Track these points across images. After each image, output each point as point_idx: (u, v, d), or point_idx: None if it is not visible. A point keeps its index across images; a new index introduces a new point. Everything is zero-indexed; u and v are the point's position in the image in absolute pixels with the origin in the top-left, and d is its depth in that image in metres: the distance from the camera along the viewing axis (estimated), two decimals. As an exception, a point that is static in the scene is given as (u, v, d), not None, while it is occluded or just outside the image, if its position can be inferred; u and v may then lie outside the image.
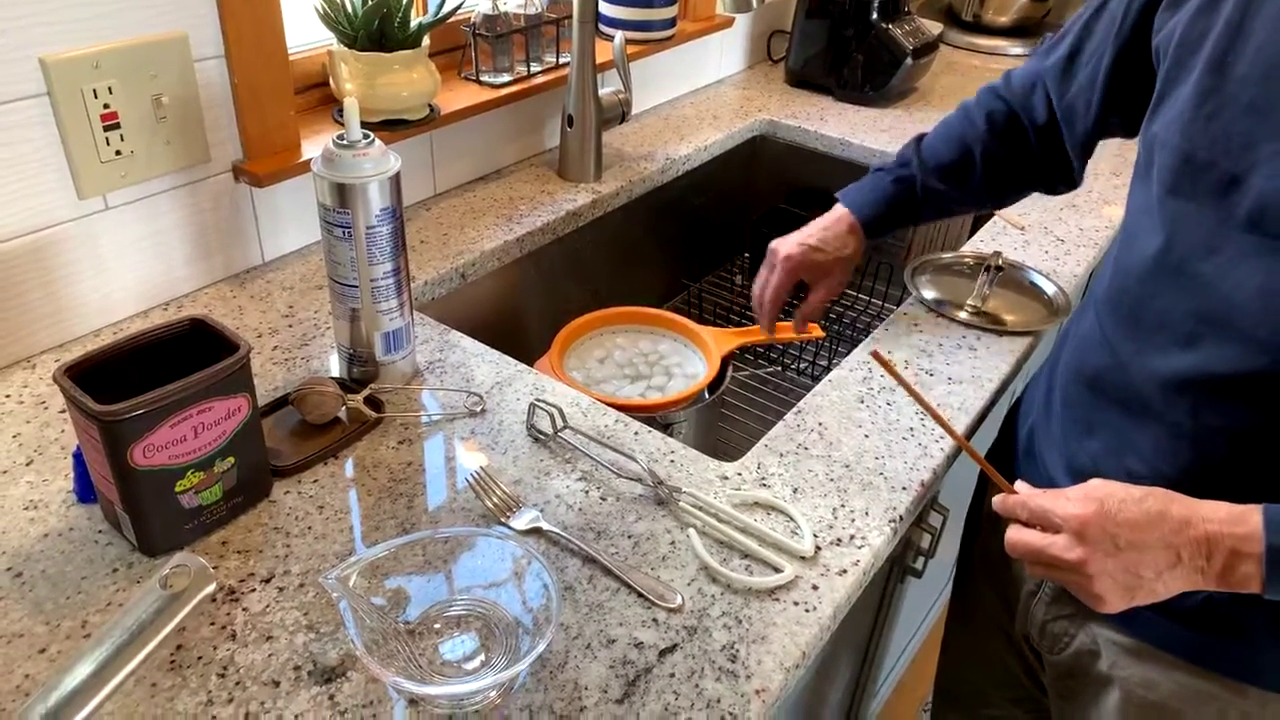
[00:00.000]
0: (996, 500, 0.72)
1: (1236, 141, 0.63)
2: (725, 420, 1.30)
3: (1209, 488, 0.64)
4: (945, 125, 1.00)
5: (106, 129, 0.87)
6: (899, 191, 1.00)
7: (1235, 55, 0.63)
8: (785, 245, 1.03)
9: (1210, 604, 0.71)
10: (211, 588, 0.51)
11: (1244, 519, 0.61)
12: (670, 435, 0.95)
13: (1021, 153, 0.95)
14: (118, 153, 0.88)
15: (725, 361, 1.14)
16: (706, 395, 1.12)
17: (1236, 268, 0.64)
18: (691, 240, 1.56)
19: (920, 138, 1.01)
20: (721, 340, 1.15)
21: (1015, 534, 0.69)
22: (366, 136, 0.79)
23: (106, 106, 0.86)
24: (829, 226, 1.02)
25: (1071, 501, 0.66)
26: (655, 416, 1.05)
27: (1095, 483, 0.67)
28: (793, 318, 1.10)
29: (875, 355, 0.79)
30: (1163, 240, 0.69)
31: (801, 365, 1.41)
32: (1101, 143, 0.90)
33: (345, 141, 0.78)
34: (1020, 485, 0.72)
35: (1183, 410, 0.68)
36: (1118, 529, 0.63)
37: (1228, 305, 0.64)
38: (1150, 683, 0.77)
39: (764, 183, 1.62)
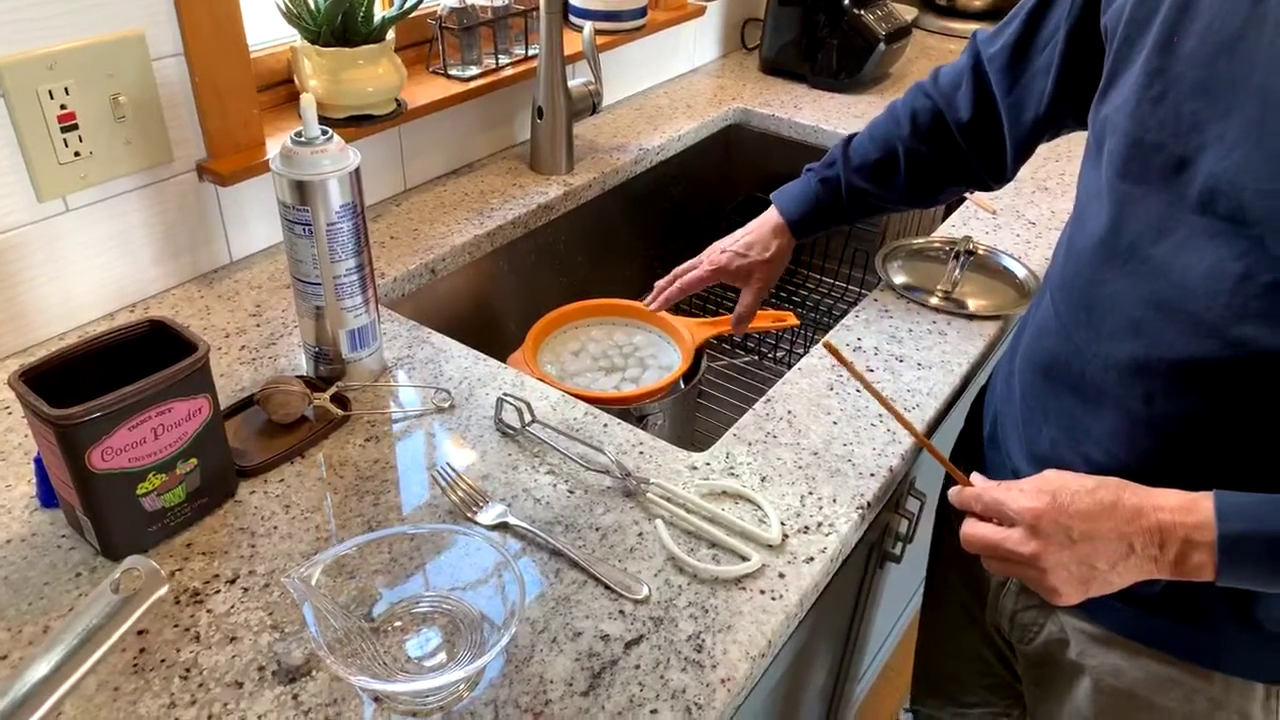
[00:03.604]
0: (952, 493, 0.72)
1: (1185, 123, 0.62)
2: (702, 410, 1.30)
3: (1167, 474, 0.64)
4: (874, 124, 1.00)
5: (64, 130, 0.86)
6: (824, 192, 1.01)
7: (1182, 35, 0.63)
8: (718, 246, 1.07)
9: (1172, 591, 0.71)
10: (164, 590, 0.51)
11: (1195, 507, 0.61)
12: (646, 427, 0.95)
13: (946, 151, 0.94)
14: (76, 154, 0.88)
15: (700, 352, 1.14)
16: (682, 386, 1.12)
17: (1186, 251, 0.63)
18: (666, 231, 1.55)
19: (851, 137, 1.01)
20: (696, 331, 1.15)
21: (970, 528, 0.69)
22: (325, 133, 0.79)
23: (63, 107, 0.85)
24: (756, 229, 1.05)
25: (1025, 494, 0.66)
26: (630, 409, 1.05)
27: (1049, 474, 0.66)
28: (730, 315, 1.12)
29: (827, 346, 0.78)
30: (1113, 224, 0.68)
31: (778, 354, 1.41)
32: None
33: (303, 138, 0.78)
34: (976, 478, 0.72)
35: (1137, 396, 0.68)
36: (1071, 521, 0.63)
37: (1178, 289, 0.64)
38: (1118, 670, 0.77)
39: (739, 171, 1.62)
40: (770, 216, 1.05)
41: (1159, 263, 0.65)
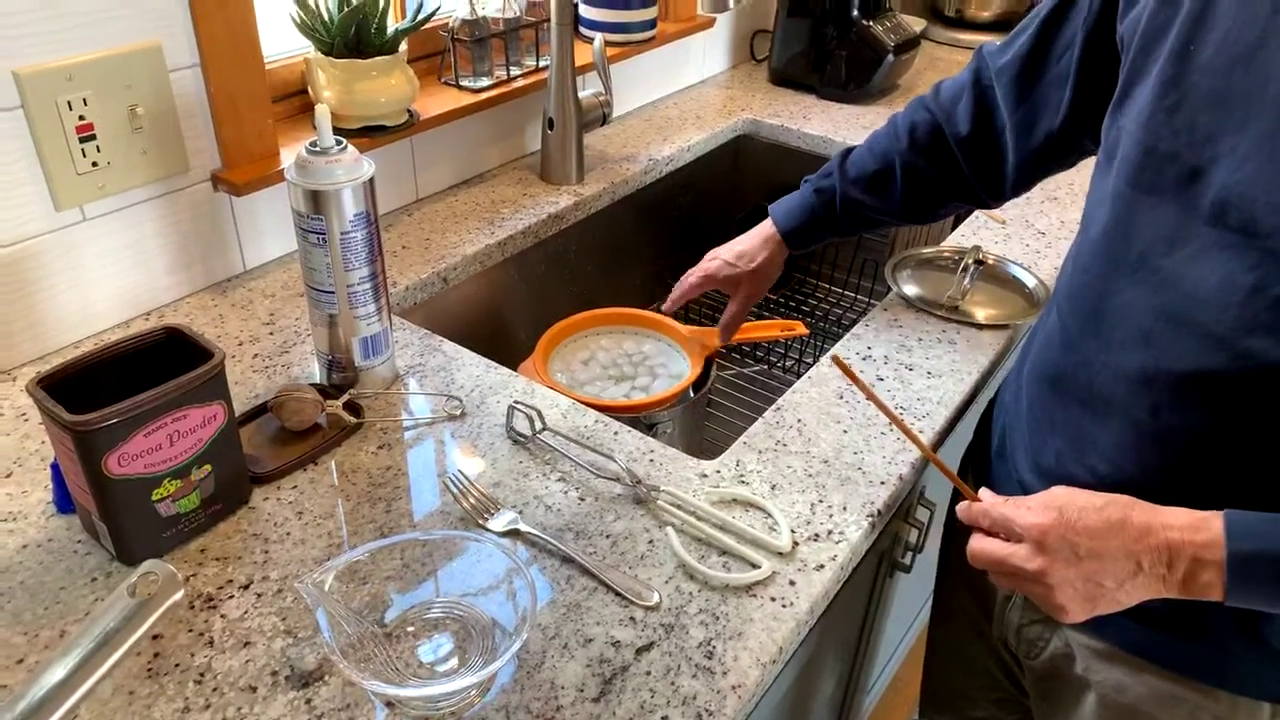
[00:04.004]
0: (960, 508, 0.72)
1: (1199, 134, 0.62)
2: (711, 419, 1.30)
3: (1173, 487, 0.63)
4: (874, 137, 0.99)
5: (82, 141, 0.87)
6: (819, 203, 1.00)
7: (1199, 44, 0.62)
8: (715, 253, 1.08)
9: (1178, 607, 0.69)
10: (180, 594, 0.51)
11: (1205, 525, 0.60)
12: (655, 435, 0.95)
13: (944, 166, 0.93)
14: (94, 164, 0.89)
15: (709, 361, 1.14)
16: (692, 394, 1.12)
17: (1198, 263, 0.62)
18: (676, 241, 1.56)
19: (850, 149, 1.01)
20: (705, 339, 1.15)
21: (977, 543, 0.69)
22: (339, 143, 0.79)
23: (81, 118, 0.86)
24: (748, 238, 1.05)
25: (1032, 510, 0.65)
26: (640, 417, 1.05)
27: (1057, 490, 0.66)
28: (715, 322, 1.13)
29: (836, 360, 0.79)
30: (1123, 234, 0.68)
31: (787, 363, 1.41)
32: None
33: (318, 148, 0.79)
34: (984, 493, 0.72)
35: (1143, 408, 0.67)
36: (1078, 537, 0.62)
37: (1188, 301, 0.63)
38: (1122, 686, 0.76)
39: (748, 182, 1.63)
40: (764, 227, 1.05)
41: (1170, 274, 0.64)
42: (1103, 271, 0.70)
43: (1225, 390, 0.63)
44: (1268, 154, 0.58)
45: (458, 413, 0.88)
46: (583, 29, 1.46)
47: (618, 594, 0.69)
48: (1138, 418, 0.68)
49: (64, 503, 0.74)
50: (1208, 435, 0.65)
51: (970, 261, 1.10)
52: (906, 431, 0.77)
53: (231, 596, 0.69)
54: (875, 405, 0.77)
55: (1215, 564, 0.59)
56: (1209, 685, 0.73)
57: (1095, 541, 0.62)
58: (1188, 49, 0.63)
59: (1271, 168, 0.58)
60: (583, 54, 1.33)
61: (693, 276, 1.09)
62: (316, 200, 0.79)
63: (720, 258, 1.07)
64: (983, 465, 0.90)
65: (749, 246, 1.05)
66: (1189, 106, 0.63)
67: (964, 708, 1.05)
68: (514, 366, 1.01)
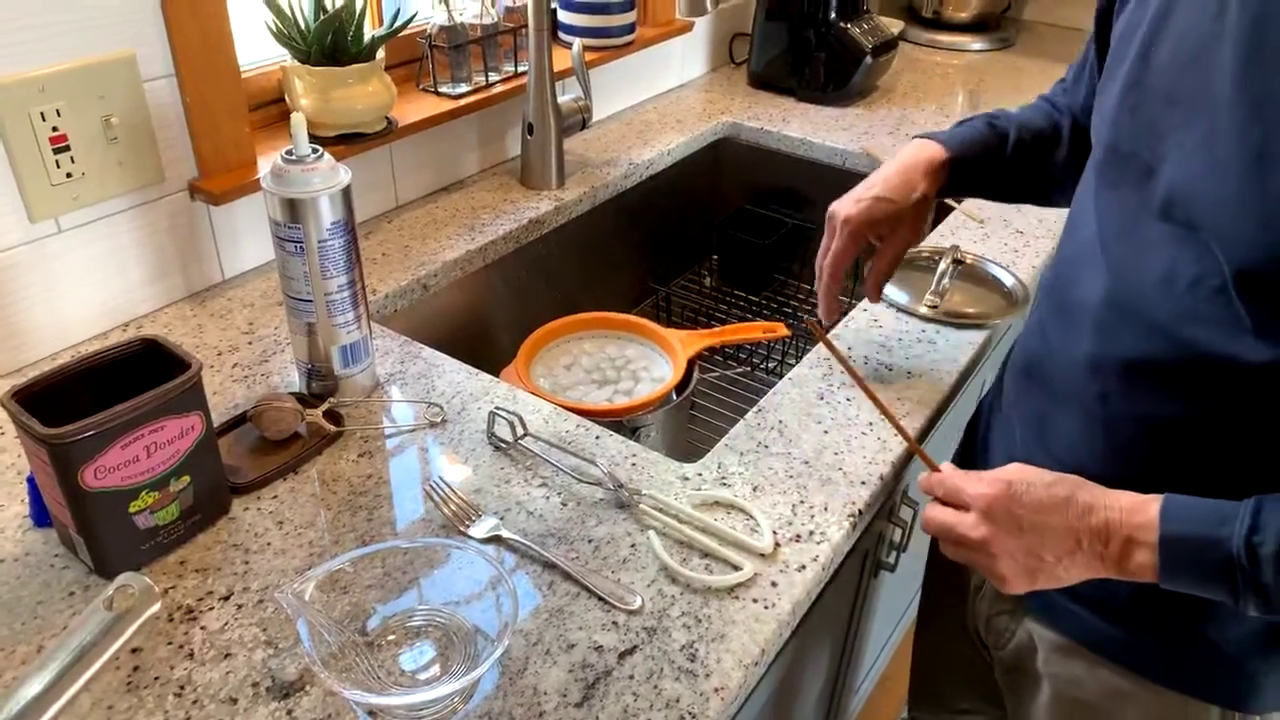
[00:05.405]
0: (920, 479, 0.74)
1: (1155, 133, 0.64)
2: (695, 422, 1.31)
3: (1121, 476, 0.65)
4: (1027, 107, 0.92)
5: (56, 152, 0.87)
6: (990, 137, 0.88)
7: (1158, 47, 0.65)
8: (843, 206, 0.87)
9: (1131, 599, 0.72)
10: (157, 607, 0.51)
11: (1144, 508, 0.62)
12: (639, 439, 0.95)
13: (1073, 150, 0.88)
14: (68, 175, 0.88)
15: (692, 363, 1.15)
16: (674, 397, 1.12)
17: (1147, 254, 0.65)
18: (658, 244, 1.56)
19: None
20: (687, 342, 1.15)
21: (929, 511, 0.72)
22: (315, 151, 0.79)
23: (55, 129, 0.86)
24: (899, 170, 0.86)
25: (983, 482, 0.68)
26: (623, 421, 1.05)
27: (1013, 466, 0.68)
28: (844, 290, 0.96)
29: (810, 324, 0.79)
30: (1092, 228, 0.70)
31: (770, 364, 1.41)
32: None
33: (294, 157, 0.78)
34: (944, 465, 0.74)
35: (1092, 395, 0.69)
36: (1022, 510, 0.65)
37: (1135, 291, 0.66)
38: (1077, 680, 0.78)
39: (729, 185, 1.63)
40: (919, 152, 0.87)
41: (1122, 264, 0.67)
42: (1072, 261, 0.73)
43: (1166, 378, 0.65)
44: (1207, 150, 0.60)
45: (439, 420, 0.87)
46: (561, 34, 1.46)
47: (600, 598, 0.69)
48: (1089, 406, 0.70)
49: (41, 517, 0.73)
50: (1152, 423, 0.67)
51: (949, 261, 1.11)
52: (877, 402, 0.77)
53: (211, 608, 0.68)
54: (844, 367, 0.77)
55: (1149, 545, 0.61)
56: (1159, 684, 0.74)
57: (1038, 516, 0.64)
58: (1149, 51, 0.66)
59: (1210, 163, 0.60)
60: (561, 59, 1.34)
61: (836, 246, 0.87)
62: (293, 209, 0.78)
63: (864, 198, 0.86)
64: (969, 466, 0.90)
65: (901, 179, 0.86)
66: (1148, 106, 0.65)
67: (949, 701, 1.06)
68: (496, 373, 1.00)
